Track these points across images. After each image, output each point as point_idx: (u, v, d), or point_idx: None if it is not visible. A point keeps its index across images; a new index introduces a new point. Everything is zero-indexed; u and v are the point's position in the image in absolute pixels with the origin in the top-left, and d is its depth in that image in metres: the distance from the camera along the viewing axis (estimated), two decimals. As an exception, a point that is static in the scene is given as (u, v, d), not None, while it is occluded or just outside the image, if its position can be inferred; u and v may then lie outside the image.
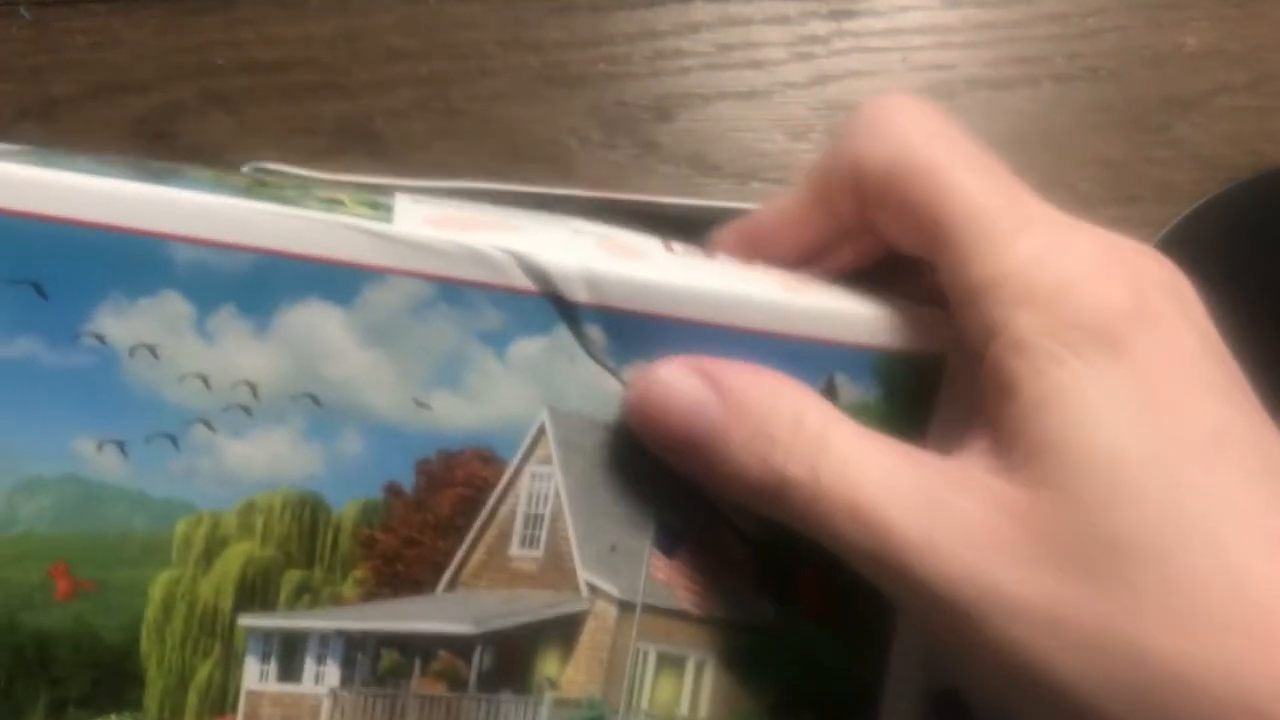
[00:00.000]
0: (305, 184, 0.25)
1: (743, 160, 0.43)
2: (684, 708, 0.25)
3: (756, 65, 0.44)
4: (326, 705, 0.24)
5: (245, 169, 0.33)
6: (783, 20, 0.44)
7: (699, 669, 0.25)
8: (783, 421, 0.22)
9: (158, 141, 0.44)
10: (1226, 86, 0.42)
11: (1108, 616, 0.20)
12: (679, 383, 0.23)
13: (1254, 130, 0.42)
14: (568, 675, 0.25)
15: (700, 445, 0.23)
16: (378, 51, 0.44)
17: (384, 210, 0.23)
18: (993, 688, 0.22)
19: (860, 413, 0.24)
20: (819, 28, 0.44)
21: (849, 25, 0.44)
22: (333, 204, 0.23)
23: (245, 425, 0.22)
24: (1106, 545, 0.20)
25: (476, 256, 0.22)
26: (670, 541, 0.25)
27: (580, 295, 0.23)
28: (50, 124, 0.45)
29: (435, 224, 0.23)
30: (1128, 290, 0.22)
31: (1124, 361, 0.21)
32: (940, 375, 0.24)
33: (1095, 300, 0.22)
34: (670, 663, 0.25)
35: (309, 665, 0.24)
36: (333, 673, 0.24)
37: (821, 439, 0.22)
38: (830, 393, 0.24)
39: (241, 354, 0.22)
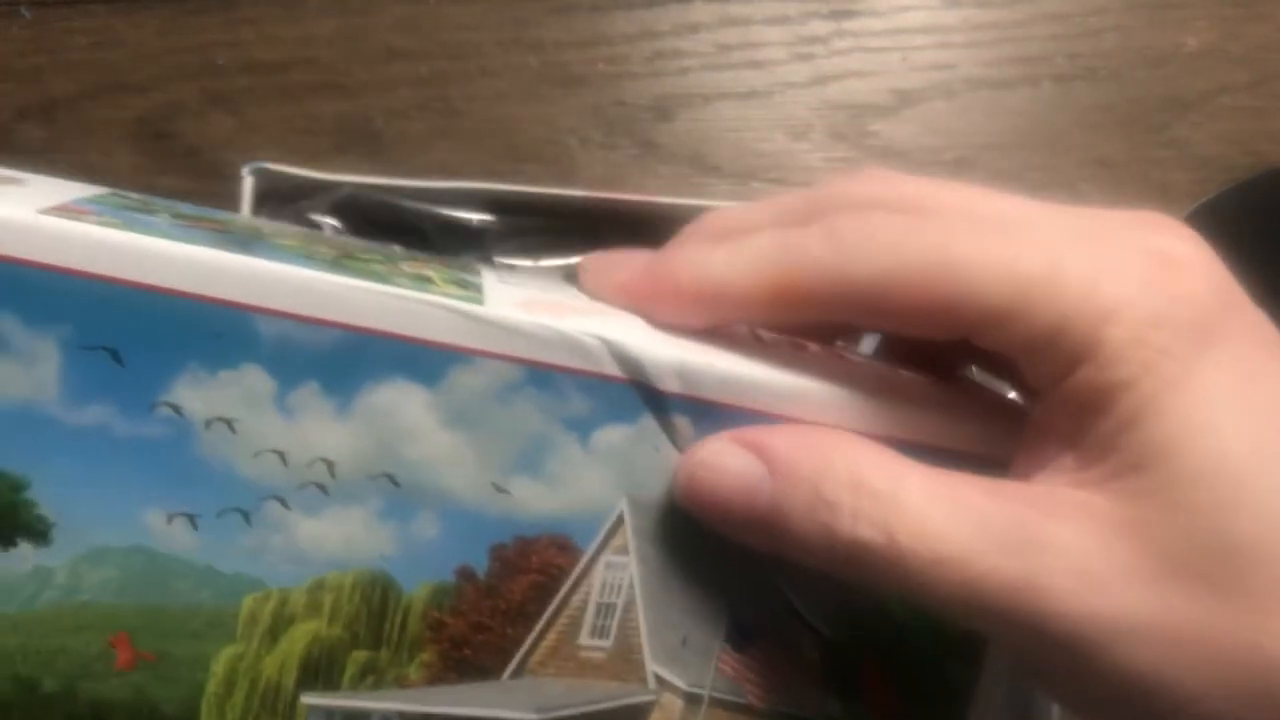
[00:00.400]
0: (391, 257, 0.25)
1: (742, 160, 0.43)
2: None
3: (756, 65, 0.44)
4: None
5: (246, 169, 0.33)
6: (782, 20, 0.44)
7: None
8: (840, 482, 0.21)
9: (158, 141, 0.44)
10: (1226, 87, 0.42)
11: (1234, 627, 0.19)
12: (725, 460, 0.22)
13: (1254, 130, 0.42)
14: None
15: (759, 522, 0.22)
16: (378, 51, 0.44)
17: (473, 290, 0.23)
18: (1113, 712, 0.21)
19: None
20: (819, 28, 0.44)
21: (849, 25, 0.44)
22: (422, 281, 0.23)
23: (320, 503, 0.22)
24: (1226, 553, 0.19)
25: (569, 342, 0.22)
26: (741, 636, 0.24)
27: (670, 385, 0.22)
28: (50, 124, 0.45)
29: (526, 307, 0.22)
30: (1193, 278, 0.21)
31: (1216, 354, 0.20)
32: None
33: (1167, 301, 0.20)
34: None
35: None
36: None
37: (890, 495, 0.21)
38: None
39: (321, 432, 0.22)
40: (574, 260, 0.36)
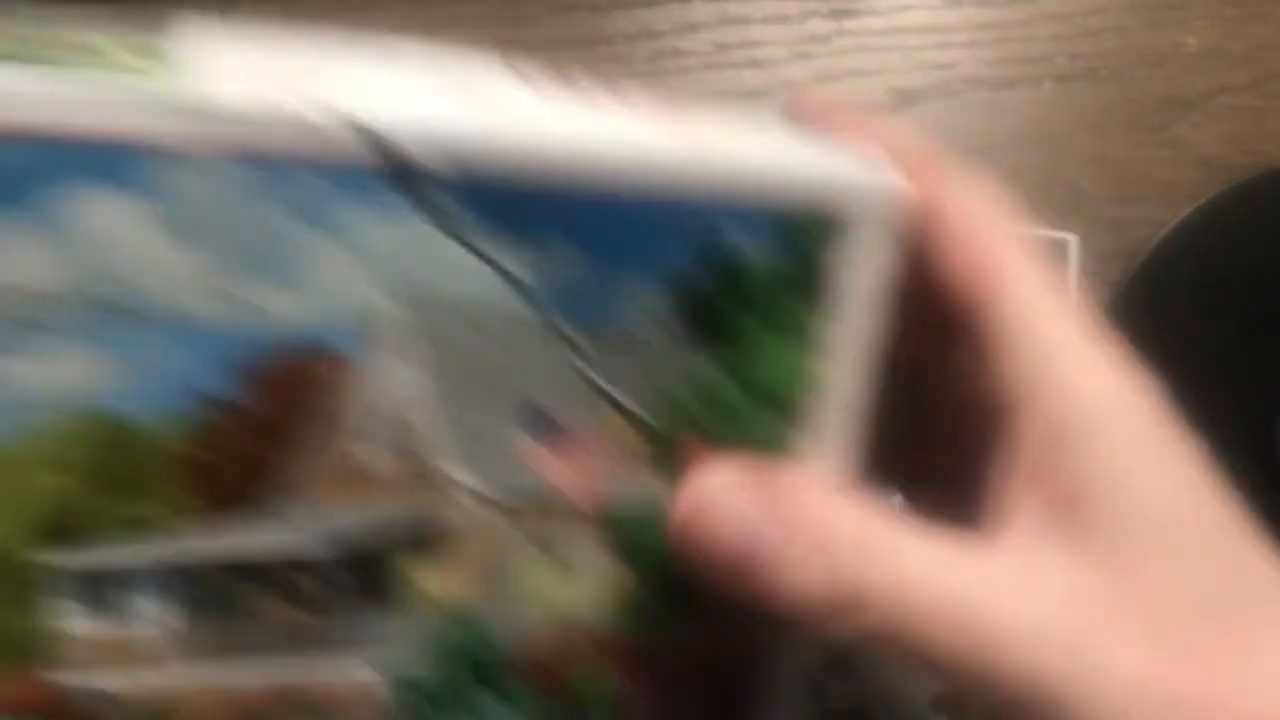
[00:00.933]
0: (38, 27, 0.20)
1: (743, 160, 0.43)
2: (570, 604, 0.23)
3: (756, 65, 0.44)
4: (162, 645, 0.21)
5: None
6: (783, 19, 0.44)
7: (584, 564, 0.23)
8: (845, 540, 0.21)
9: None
10: (1227, 86, 0.42)
11: (1208, 691, 0.19)
12: (726, 502, 0.21)
13: (1254, 130, 0.42)
14: (439, 583, 0.22)
15: (754, 566, 0.21)
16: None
17: (163, 61, 0.19)
18: None
19: (768, 280, 0.22)
20: (819, 27, 0.44)
21: (850, 24, 0.43)
22: (93, 56, 0.19)
23: (28, 340, 0.18)
24: (1188, 617, 0.20)
25: (301, 123, 0.18)
26: (545, 429, 0.22)
27: (434, 164, 0.19)
28: (49, 123, 0.44)
29: (242, 78, 0.19)
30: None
31: (1144, 437, 0.21)
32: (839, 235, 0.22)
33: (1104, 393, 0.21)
34: (553, 558, 0.23)
35: (139, 604, 0.21)
36: (166, 610, 0.21)
37: (887, 551, 0.21)
38: (730, 256, 0.22)
39: (10, 258, 0.18)
40: None
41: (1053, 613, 0.20)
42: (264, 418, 0.20)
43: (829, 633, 0.21)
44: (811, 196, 0.21)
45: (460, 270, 0.20)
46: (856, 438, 0.23)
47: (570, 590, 0.23)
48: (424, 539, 0.21)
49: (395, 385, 0.21)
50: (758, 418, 0.22)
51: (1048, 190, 0.42)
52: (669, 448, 0.22)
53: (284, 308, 0.19)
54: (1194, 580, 0.20)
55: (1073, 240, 0.35)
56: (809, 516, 0.21)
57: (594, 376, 0.21)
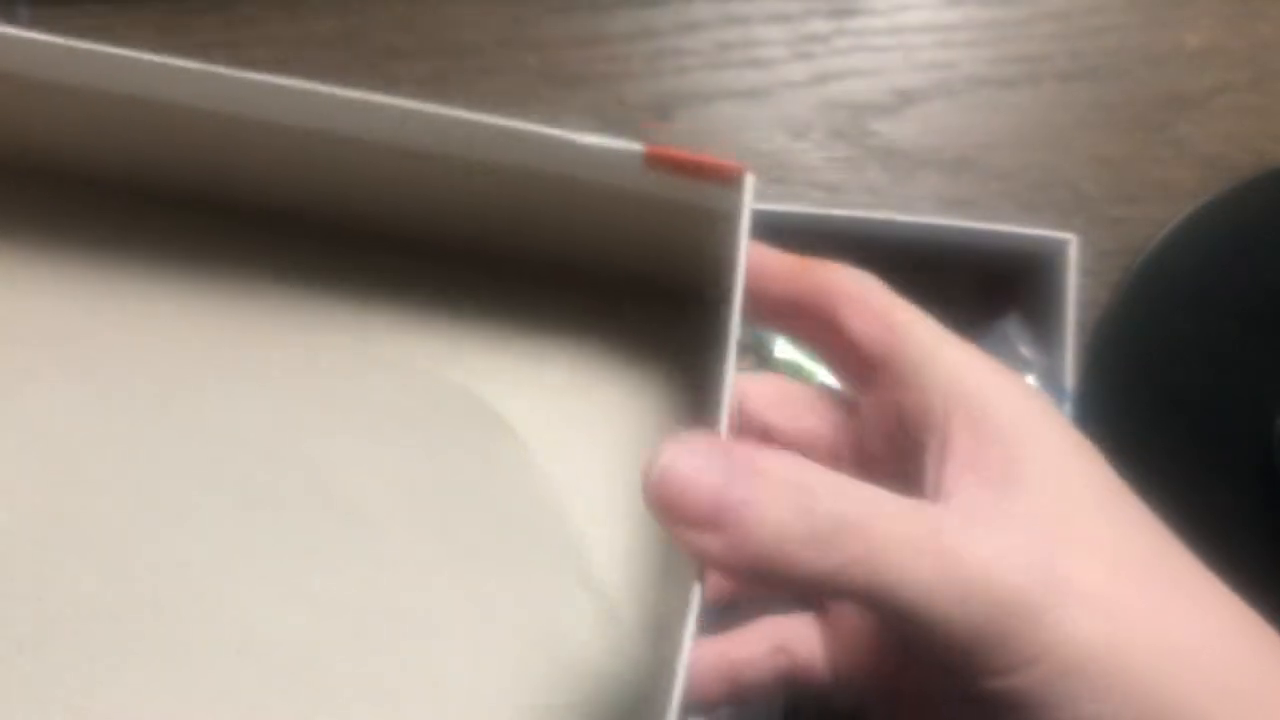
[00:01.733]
0: None
1: (742, 159, 0.43)
2: None
3: (757, 64, 0.44)
4: None
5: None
6: (783, 19, 0.44)
7: None
8: (817, 479, 0.21)
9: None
10: (1228, 85, 0.42)
11: (1160, 606, 0.22)
12: (696, 461, 0.21)
13: (1255, 129, 0.42)
14: None
15: (730, 515, 0.21)
16: (377, 51, 0.44)
17: None
18: None
19: None
20: (820, 26, 0.44)
21: (850, 24, 0.43)
22: None
23: None
24: (1121, 564, 0.22)
25: None
26: None
27: None
28: (50, 124, 0.45)
29: None
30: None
31: (1051, 425, 0.23)
32: None
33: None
34: None
35: None
36: None
37: (860, 489, 0.22)
38: None
39: None
40: None
41: (1014, 544, 0.21)
42: None
43: (805, 576, 0.21)
44: None
45: None
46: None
47: None
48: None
49: None
50: None
51: (1048, 189, 0.42)
52: None
53: None
54: (1123, 539, 0.22)
55: (1073, 240, 0.35)
56: (778, 465, 0.21)
57: None
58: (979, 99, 0.43)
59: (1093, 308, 0.39)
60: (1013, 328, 0.34)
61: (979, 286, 0.35)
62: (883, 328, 0.25)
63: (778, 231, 0.34)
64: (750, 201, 0.25)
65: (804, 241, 0.34)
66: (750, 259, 0.25)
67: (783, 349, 0.35)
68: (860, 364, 0.26)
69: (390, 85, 0.44)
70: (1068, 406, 0.32)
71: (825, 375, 0.35)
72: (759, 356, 0.35)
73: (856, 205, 0.42)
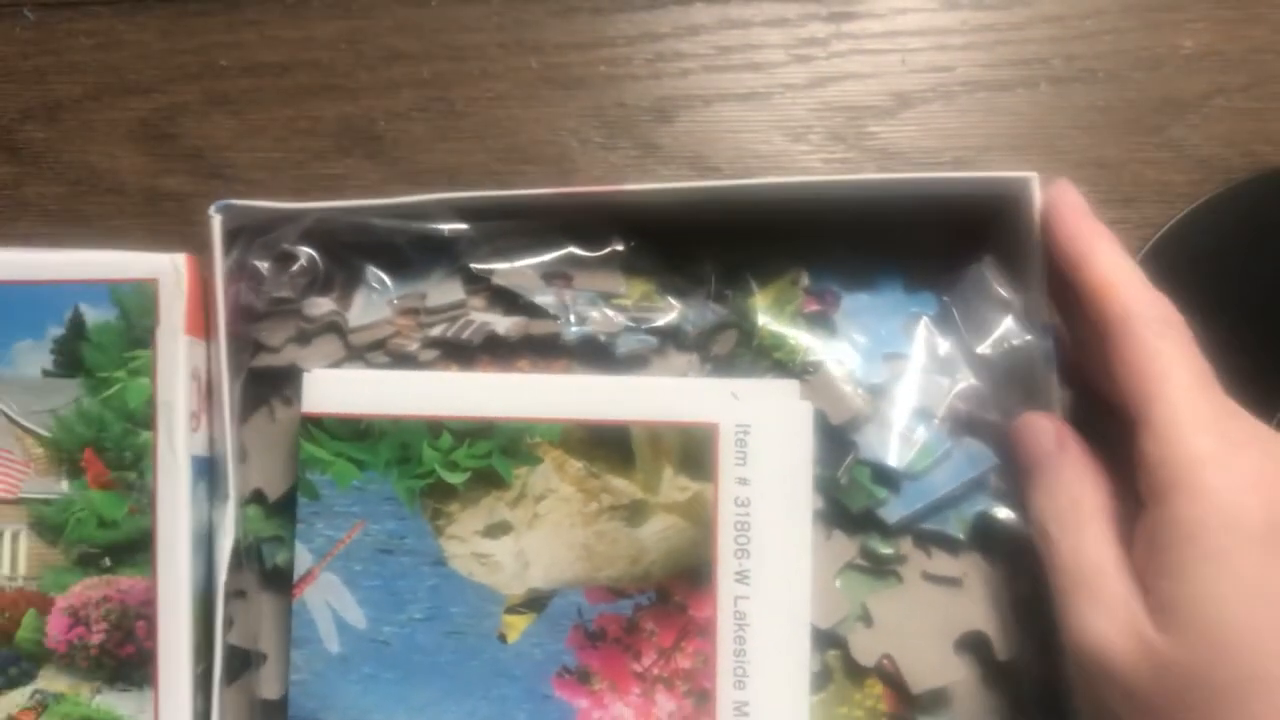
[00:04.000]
0: None
1: (742, 161, 0.43)
2: (6, 569, 0.35)
3: (756, 67, 0.44)
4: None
5: (212, 209, 0.34)
6: (782, 23, 0.44)
7: (14, 538, 0.35)
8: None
9: (160, 143, 0.44)
10: (1223, 88, 0.43)
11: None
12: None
13: (1250, 132, 0.42)
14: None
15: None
16: (379, 53, 0.44)
17: None
18: None
19: (104, 330, 0.35)
20: (818, 30, 0.44)
21: (848, 27, 0.44)
22: None
23: None
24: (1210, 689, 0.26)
25: None
26: None
27: None
28: (53, 125, 0.45)
29: None
30: (1261, 509, 0.27)
31: (1253, 558, 0.27)
32: (156, 293, 0.35)
33: (1242, 514, 0.27)
34: None
35: None
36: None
37: None
38: (78, 320, 0.35)
39: None
40: (549, 258, 0.36)
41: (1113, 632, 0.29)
42: None
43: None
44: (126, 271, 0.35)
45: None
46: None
47: (3, 557, 0.35)
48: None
49: None
50: (124, 429, 0.35)
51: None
52: (66, 455, 0.35)
53: None
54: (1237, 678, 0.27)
55: (1034, 176, 0.35)
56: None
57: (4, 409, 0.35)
58: (976, 102, 0.43)
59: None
60: (988, 270, 0.35)
61: (949, 235, 0.35)
62: (1140, 378, 0.29)
63: (746, 204, 0.35)
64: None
65: (774, 211, 0.34)
66: (1089, 257, 0.31)
67: (766, 320, 0.35)
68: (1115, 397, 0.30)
69: (391, 88, 0.44)
70: (1051, 340, 0.33)
71: (807, 348, 0.35)
72: (741, 331, 0.36)
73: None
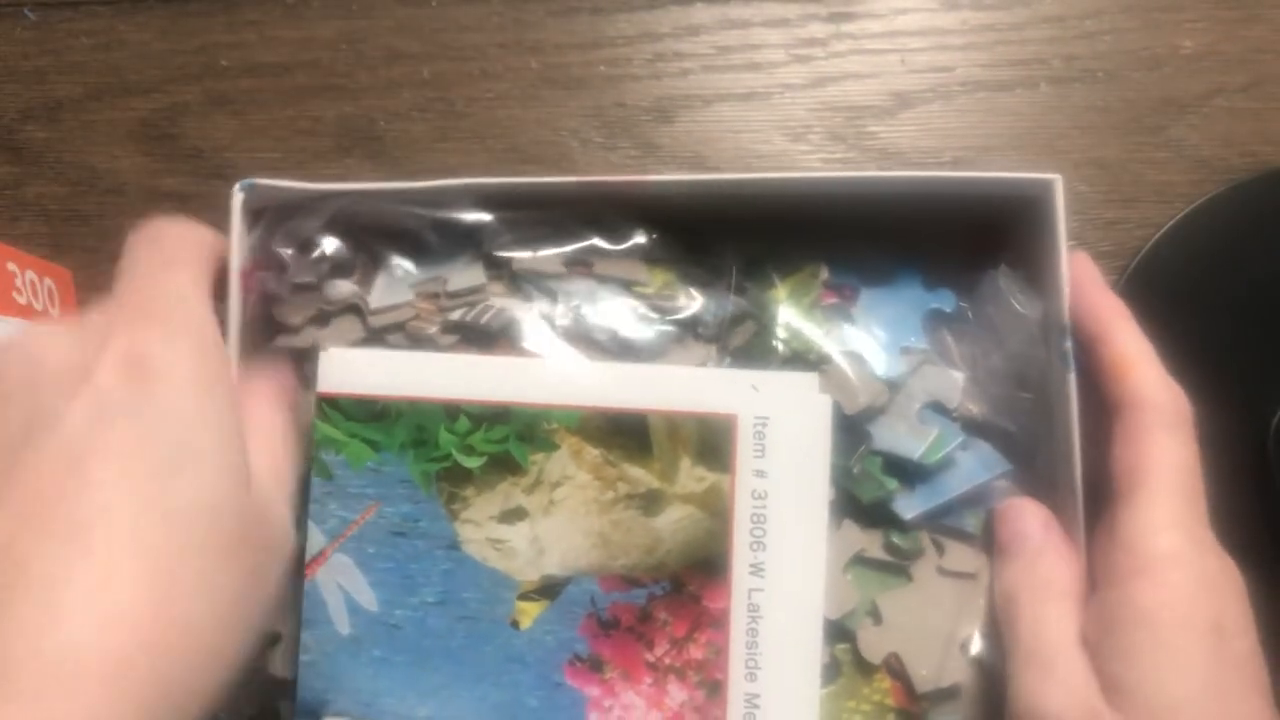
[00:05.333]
0: None
1: (741, 161, 0.43)
2: None
3: (755, 67, 0.44)
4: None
5: (236, 186, 0.34)
6: (781, 23, 0.44)
7: None
8: None
9: (161, 143, 0.44)
10: (1223, 89, 0.43)
11: None
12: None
13: (1250, 132, 0.42)
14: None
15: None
16: (380, 54, 0.44)
17: None
18: None
19: None
20: (818, 30, 0.44)
21: (847, 27, 0.44)
22: None
23: None
24: None
25: None
26: None
27: None
28: (54, 125, 0.45)
29: None
30: (1212, 612, 0.29)
31: (1201, 654, 0.29)
32: None
33: (1194, 613, 0.29)
34: None
35: None
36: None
37: None
38: None
39: None
40: (572, 249, 0.36)
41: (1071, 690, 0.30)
42: None
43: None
44: None
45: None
46: None
47: None
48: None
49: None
50: None
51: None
52: None
53: None
54: None
55: (1058, 179, 0.35)
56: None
57: None
58: (975, 102, 0.43)
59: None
60: (1004, 280, 0.35)
61: (970, 234, 0.35)
62: (1136, 463, 0.31)
63: (768, 198, 0.35)
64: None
65: (796, 206, 0.34)
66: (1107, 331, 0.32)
67: (784, 310, 0.36)
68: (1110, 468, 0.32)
69: (392, 88, 0.44)
70: (1069, 343, 0.33)
71: (824, 339, 0.35)
72: (760, 323, 0.36)
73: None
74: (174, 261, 0.30)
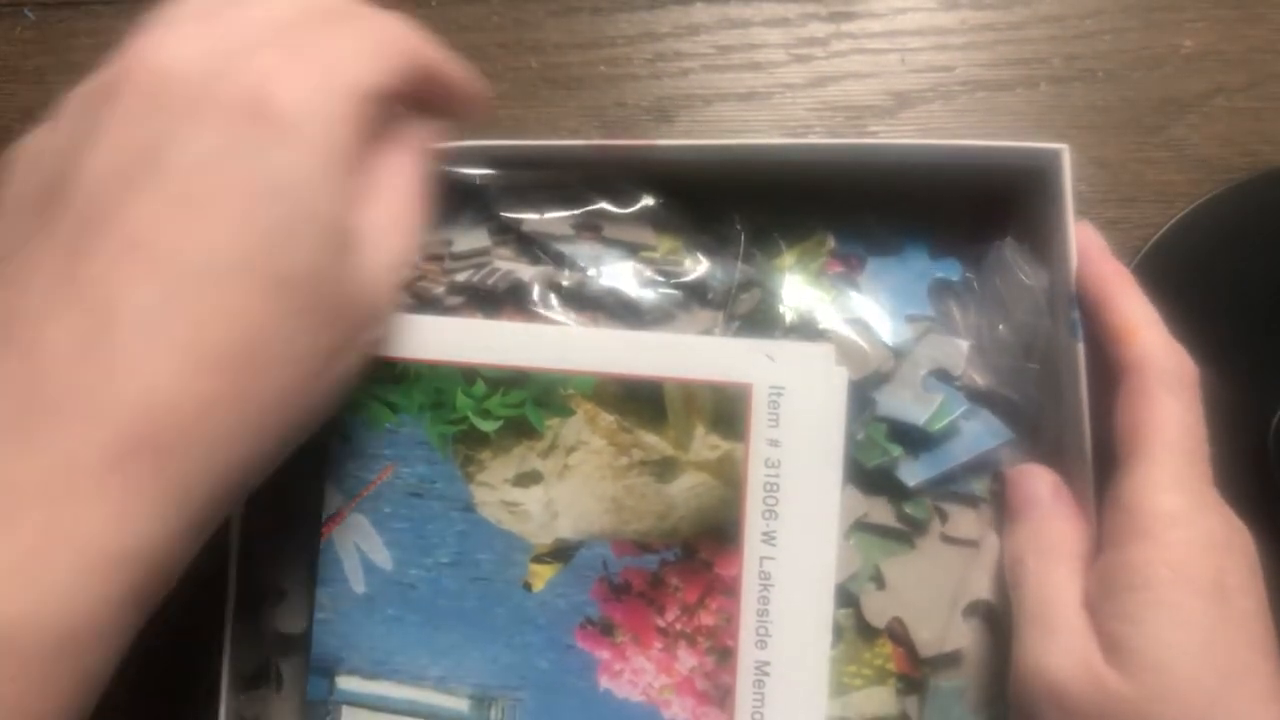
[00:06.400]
0: None
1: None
2: None
3: (756, 67, 0.44)
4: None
5: None
6: (782, 22, 0.44)
7: None
8: None
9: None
10: (1223, 88, 0.43)
11: None
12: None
13: (1250, 132, 0.42)
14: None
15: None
16: (379, 53, 0.44)
17: None
18: None
19: None
20: (818, 29, 0.44)
21: (847, 27, 0.44)
22: None
23: None
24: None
25: None
26: None
27: None
28: (54, 125, 0.45)
29: None
30: (1213, 571, 0.29)
31: (1201, 612, 0.29)
32: None
33: (1195, 572, 0.29)
34: None
35: None
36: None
37: None
38: None
39: None
40: (579, 212, 0.36)
41: (1066, 663, 0.31)
42: None
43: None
44: None
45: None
46: None
47: None
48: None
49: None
50: None
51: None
52: None
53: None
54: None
55: (1065, 149, 0.35)
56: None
57: None
58: (975, 102, 0.43)
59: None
60: (1009, 251, 0.35)
61: (976, 205, 0.35)
62: (1138, 426, 0.31)
63: (775, 165, 0.35)
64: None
65: (803, 175, 0.35)
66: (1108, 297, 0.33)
67: (790, 277, 0.36)
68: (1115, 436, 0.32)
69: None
70: (1077, 312, 0.33)
71: (829, 305, 0.35)
72: (766, 290, 0.36)
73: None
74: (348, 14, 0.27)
